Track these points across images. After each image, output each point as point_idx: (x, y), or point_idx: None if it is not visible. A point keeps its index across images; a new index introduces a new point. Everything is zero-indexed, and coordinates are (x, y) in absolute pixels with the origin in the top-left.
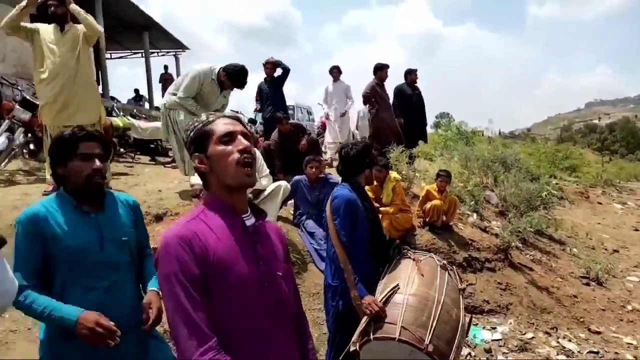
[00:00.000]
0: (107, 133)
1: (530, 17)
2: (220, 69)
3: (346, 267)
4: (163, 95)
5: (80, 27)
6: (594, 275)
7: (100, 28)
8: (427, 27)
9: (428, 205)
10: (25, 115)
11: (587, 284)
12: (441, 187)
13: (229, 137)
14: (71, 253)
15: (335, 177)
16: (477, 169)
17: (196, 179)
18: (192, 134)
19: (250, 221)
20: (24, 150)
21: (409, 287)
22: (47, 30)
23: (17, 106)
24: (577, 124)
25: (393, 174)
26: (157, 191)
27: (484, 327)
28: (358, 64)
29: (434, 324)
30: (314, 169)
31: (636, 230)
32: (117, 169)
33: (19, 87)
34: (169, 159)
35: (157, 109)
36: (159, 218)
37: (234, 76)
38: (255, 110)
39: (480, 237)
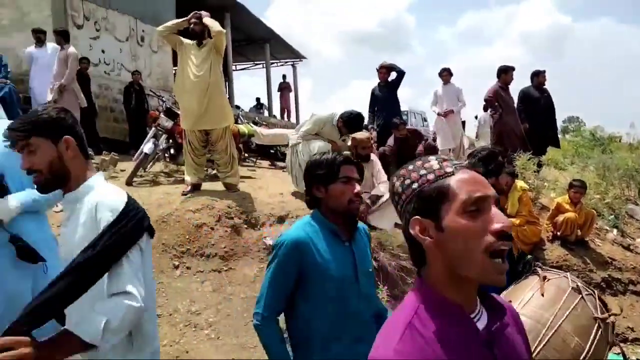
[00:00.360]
0: (236, 139)
1: None
2: (338, 115)
3: None
4: (281, 103)
5: (211, 42)
6: None
7: (224, 37)
8: (553, 24)
9: (560, 217)
10: (168, 123)
11: None
12: (575, 198)
13: (477, 207)
14: (330, 282)
15: None
16: (617, 179)
17: None
18: (417, 186)
19: (482, 322)
20: (166, 155)
21: (522, 307)
22: (188, 45)
23: (162, 115)
24: None
25: (519, 183)
26: (279, 194)
27: (627, 358)
28: (474, 67)
29: (538, 349)
30: None
31: None
32: (242, 173)
33: (163, 98)
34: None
35: (275, 116)
36: (281, 219)
37: (349, 122)
38: (369, 116)
39: (622, 255)
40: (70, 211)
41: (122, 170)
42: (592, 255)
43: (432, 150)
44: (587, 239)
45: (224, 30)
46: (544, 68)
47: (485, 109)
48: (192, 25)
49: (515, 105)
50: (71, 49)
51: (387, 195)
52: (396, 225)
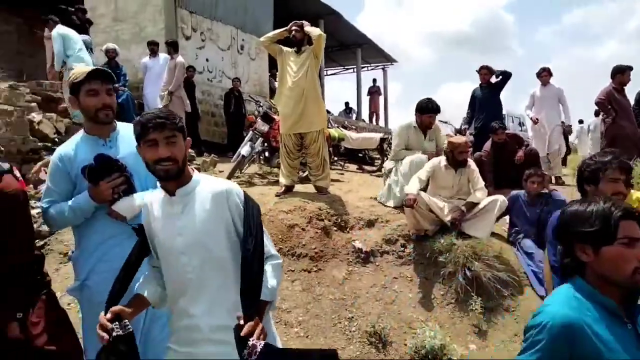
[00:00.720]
0: (328, 143)
1: None
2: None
3: (549, 289)
4: (370, 107)
5: (310, 50)
6: None
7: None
8: None
9: None
10: (264, 127)
11: None
12: None
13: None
14: None
15: (562, 194)
16: None
17: (409, 189)
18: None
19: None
20: (261, 157)
21: None
22: (287, 52)
23: (259, 119)
24: None
25: (635, 194)
26: (368, 198)
27: None
28: (579, 67)
29: None
30: (535, 184)
31: None
32: (331, 176)
33: (260, 103)
34: (374, 168)
35: (364, 120)
36: (371, 224)
37: (419, 106)
38: (465, 119)
39: None
40: (185, 203)
41: (220, 171)
42: None
43: (533, 157)
44: None
45: (324, 35)
46: None
47: (597, 114)
48: (293, 33)
49: (632, 108)
50: (179, 59)
51: (484, 203)
52: (492, 234)
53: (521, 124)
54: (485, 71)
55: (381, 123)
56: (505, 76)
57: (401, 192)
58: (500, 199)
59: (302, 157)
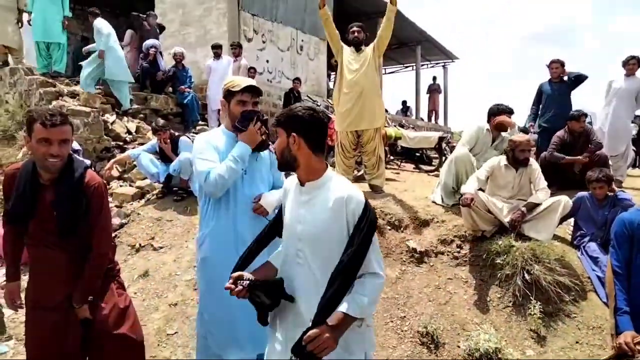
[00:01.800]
0: (383, 142)
1: None
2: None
3: (610, 294)
4: (429, 105)
5: (370, 48)
6: None
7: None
8: None
9: None
10: None
11: None
12: None
13: None
14: None
15: (629, 194)
16: None
17: (467, 188)
18: None
19: None
20: None
21: None
22: (347, 51)
23: None
24: None
25: None
26: (424, 198)
27: None
28: None
29: None
30: (597, 189)
31: None
32: (386, 175)
33: (318, 103)
34: (432, 168)
35: (422, 119)
36: (426, 223)
37: (494, 110)
38: (530, 116)
39: None
40: (312, 196)
41: None
42: None
43: (602, 161)
44: None
45: (389, 34)
46: None
47: None
48: (354, 34)
49: None
50: (243, 61)
51: (546, 204)
52: (555, 236)
53: (591, 123)
54: (556, 65)
55: (440, 122)
56: (580, 79)
57: (442, 187)
58: (564, 200)
59: (357, 156)
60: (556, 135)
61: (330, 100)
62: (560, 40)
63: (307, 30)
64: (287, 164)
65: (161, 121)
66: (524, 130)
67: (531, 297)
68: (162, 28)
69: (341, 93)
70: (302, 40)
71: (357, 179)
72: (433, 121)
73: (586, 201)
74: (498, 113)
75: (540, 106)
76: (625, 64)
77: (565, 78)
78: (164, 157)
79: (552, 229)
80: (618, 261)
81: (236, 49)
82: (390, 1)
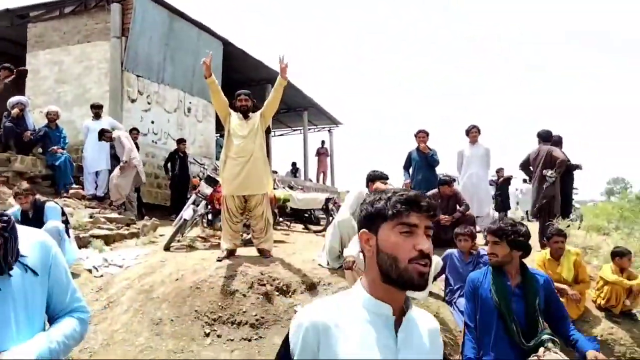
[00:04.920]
0: (272, 204)
1: None
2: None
3: (461, 347)
4: (319, 167)
5: (258, 115)
6: None
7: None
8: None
9: (605, 287)
10: (208, 190)
11: None
12: (621, 266)
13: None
14: None
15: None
16: None
17: (349, 251)
18: None
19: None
20: (203, 220)
21: None
22: (234, 117)
23: (203, 182)
24: None
25: (572, 249)
26: (311, 260)
27: None
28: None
29: None
30: (462, 242)
31: None
32: (276, 237)
33: (205, 166)
34: (320, 228)
35: (310, 180)
36: (313, 287)
37: (369, 176)
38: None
39: None
40: (407, 333)
41: (161, 235)
42: None
43: (471, 218)
44: (635, 311)
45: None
46: None
47: (561, 170)
48: (242, 102)
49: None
50: (120, 133)
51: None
52: (431, 294)
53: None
54: (422, 134)
55: (328, 182)
56: (434, 160)
57: (328, 251)
58: (436, 259)
59: (245, 220)
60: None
61: (218, 163)
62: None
63: (196, 93)
64: None
65: (25, 184)
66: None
67: None
68: (23, 73)
69: (228, 157)
70: (190, 103)
71: (246, 243)
72: (322, 182)
73: (454, 257)
74: (374, 179)
75: (411, 170)
76: (468, 132)
77: (430, 154)
78: (29, 225)
79: (429, 287)
80: (468, 315)
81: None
82: (280, 75)
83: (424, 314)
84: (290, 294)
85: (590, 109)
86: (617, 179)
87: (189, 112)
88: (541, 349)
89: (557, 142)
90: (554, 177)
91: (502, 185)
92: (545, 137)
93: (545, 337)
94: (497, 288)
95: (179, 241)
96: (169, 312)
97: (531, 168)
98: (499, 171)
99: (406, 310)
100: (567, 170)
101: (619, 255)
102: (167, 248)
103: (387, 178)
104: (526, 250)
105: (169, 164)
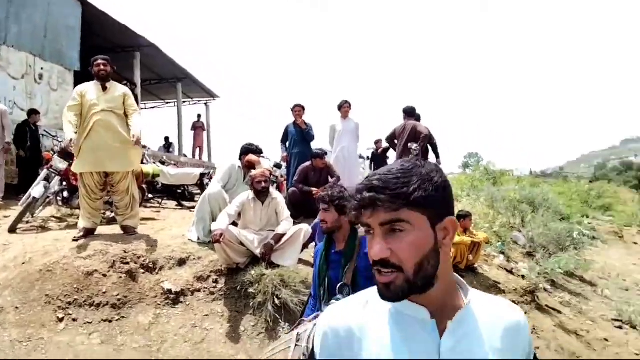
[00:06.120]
0: (139, 180)
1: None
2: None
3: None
4: (195, 142)
5: (121, 87)
6: (628, 318)
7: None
8: None
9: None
10: (62, 165)
11: (620, 327)
12: (464, 226)
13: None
14: None
15: None
16: (503, 209)
17: (217, 225)
18: None
19: None
20: (58, 198)
21: None
22: (90, 89)
23: (56, 156)
24: (612, 161)
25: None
26: (181, 236)
27: None
28: None
29: None
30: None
31: None
32: (144, 215)
33: (59, 139)
34: (194, 204)
35: (185, 155)
36: (182, 262)
37: (242, 148)
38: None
39: (506, 278)
40: (459, 337)
41: (5, 217)
42: (480, 280)
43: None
44: (476, 265)
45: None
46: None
47: (425, 146)
48: (99, 67)
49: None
50: None
51: (290, 233)
52: (301, 261)
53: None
54: (299, 109)
55: (205, 157)
56: (311, 137)
57: (197, 224)
58: (305, 228)
59: (107, 197)
60: (301, 169)
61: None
62: None
63: (48, 58)
64: (428, 283)
65: None
66: (277, 165)
67: (280, 320)
68: None
69: (84, 132)
70: (42, 68)
71: (110, 221)
72: (197, 157)
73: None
74: (247, 152)
75: (287, 144)
76: (340, 108)
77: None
78: None
79: (296, 255)
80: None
81: None
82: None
83: (499, 306)
84: (157, 270)
85: (451, 90)
86: (472, 153)
87: (40, 79)
88: None
89: (418, 119)
90: (417, 150)
91: (380, 156)
92: (410, 112)
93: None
94: (322, 255)
95: (27, 222)
96: (12, 299)
97: (396, 141)
98: (377, 142)
99: (459, 308)
100: (429, 144)
101: (462, 217)
102: (12, 230)
103: (260, 152)
104: None
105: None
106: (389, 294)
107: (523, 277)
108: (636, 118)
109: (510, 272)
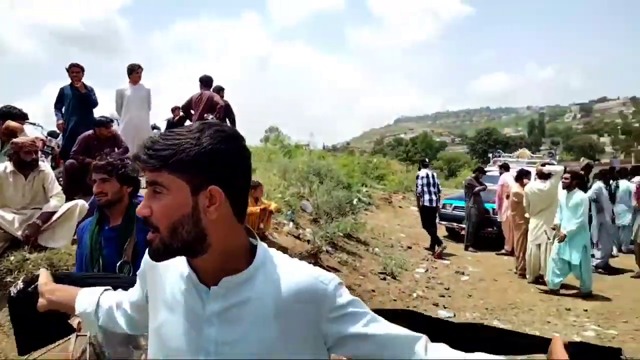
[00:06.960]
0: None
1: (351, 41)
2: None
3: None
4: None
5: None
6: (390, 271)
7: None
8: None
9: None
10: None
11: (384, 279)
12: (255, 197)
13: None
14: None
15: None
16: (294, 180)
17: None
18: None
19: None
20: None
21: None
22: None
23: None
24: (387, 137)
25: None
26: None
27: None
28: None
29: None
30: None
31: None
32: None
33: None
34: None
35: None
36: None
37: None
38: (57, 115)
39: (293, 244)
40: (232, 302)
41: None
42: (270, 247)
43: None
44: (266, 233)
45: None
46: (250, 83)
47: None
48: None
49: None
50: None
51: (62, 211)
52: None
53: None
54: (77, 69)
55: None
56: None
57: None
58: (80, 204)
59: None
60: (81, 138)
61: None
62: (103, 46)
63: None
64: (189, 248)
65: None
66: (52, 134)
67: None
68: None
69: None
70: None
71: None
72: None
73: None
74: (6, 117)
75: (64, 110)
76: (131, 72)
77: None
78: None
79: (70, 234)
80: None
81: None
82: None
83: (293, 272)
84: None
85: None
86: (272, 127)
87: None
88: None
89: (218, 90)
90: (214, 120)
91: (176, 124)
92: (207, 82)
93: None
94: (93, 233)
95: None
96: None
97: (192, 111)
98: (174, 110)
99: (241, 270)
100: (225, 115)
101: (253, 187)
102: None
103: (25, 117)
104: (136, 185)
105: None
106: (149, 252)
107: (308, 241)
108: (408, 100)
109: (298, 237)
